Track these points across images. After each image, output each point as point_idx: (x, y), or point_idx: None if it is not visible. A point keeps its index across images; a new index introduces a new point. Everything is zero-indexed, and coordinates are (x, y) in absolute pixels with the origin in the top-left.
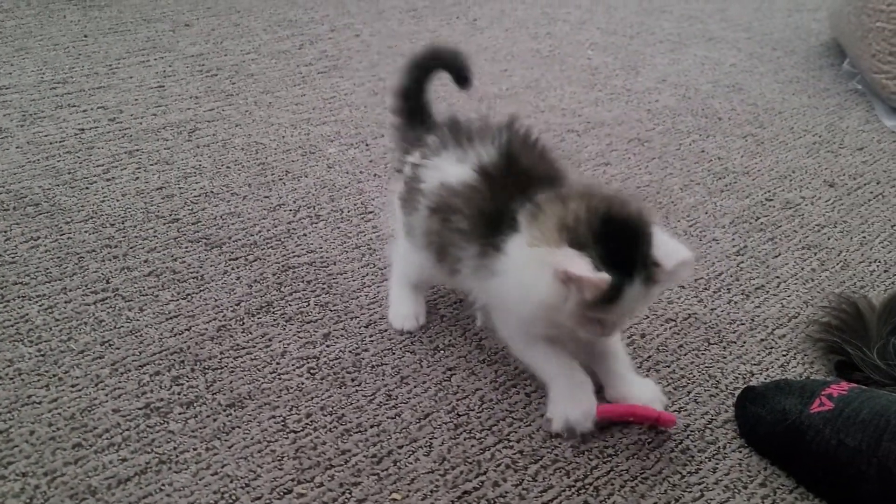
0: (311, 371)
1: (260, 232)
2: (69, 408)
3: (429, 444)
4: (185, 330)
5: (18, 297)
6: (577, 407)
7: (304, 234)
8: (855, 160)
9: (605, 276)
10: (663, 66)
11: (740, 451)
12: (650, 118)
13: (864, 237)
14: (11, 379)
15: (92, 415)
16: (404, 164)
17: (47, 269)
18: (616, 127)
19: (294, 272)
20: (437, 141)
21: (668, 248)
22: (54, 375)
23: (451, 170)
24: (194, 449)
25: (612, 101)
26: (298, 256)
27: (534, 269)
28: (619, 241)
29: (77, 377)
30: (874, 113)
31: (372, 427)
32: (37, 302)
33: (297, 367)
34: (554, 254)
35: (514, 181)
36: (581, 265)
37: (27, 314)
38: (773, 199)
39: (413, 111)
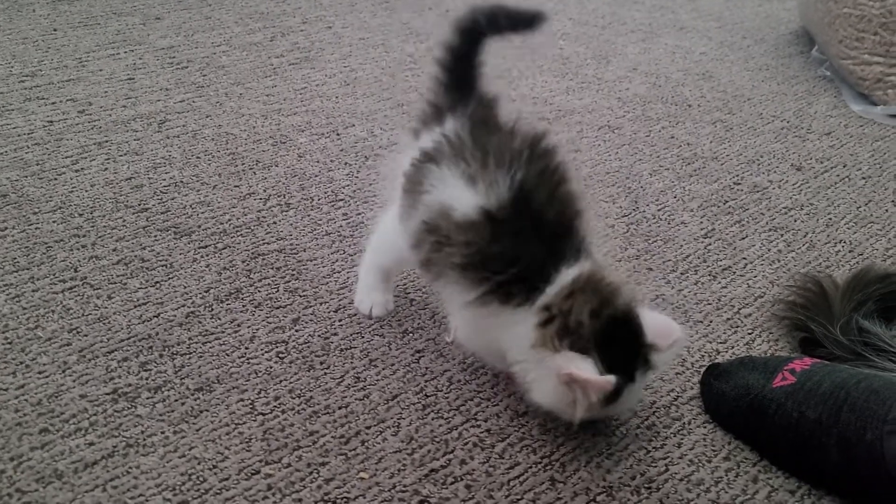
0: (280, 355)
1: (230, 220)
2: (36, 394)
3: (397, 424)
4: (154, 317)
5: None
6: None
7: (274, 222)
8: (822, 144)
9: (610, 379)
10: (634, 56)
11: (705, 427)
12: (620, 106)
13: (830, 219)
14: None
15: (59, 400)
16: (419, 137)
17: (14, 258)
18: (587, 115)
19: (264, 259)
20: (452, 146)
21: (659, 327)
22: (21, 363)
23: (457, 193)
24: (162, 432)
25: (583, 89)
26: (268, 244)
27: (537, 369)
28: (619, 344)
29: (44, 364)
30: (842, 98)
31: (340, 409)
32: (3, 291)
33: (266, 352)
34: (555, 358)
35: (522, 226)
36: (585, 368)
37: None
38: (741, 183)
39: (457, 73)
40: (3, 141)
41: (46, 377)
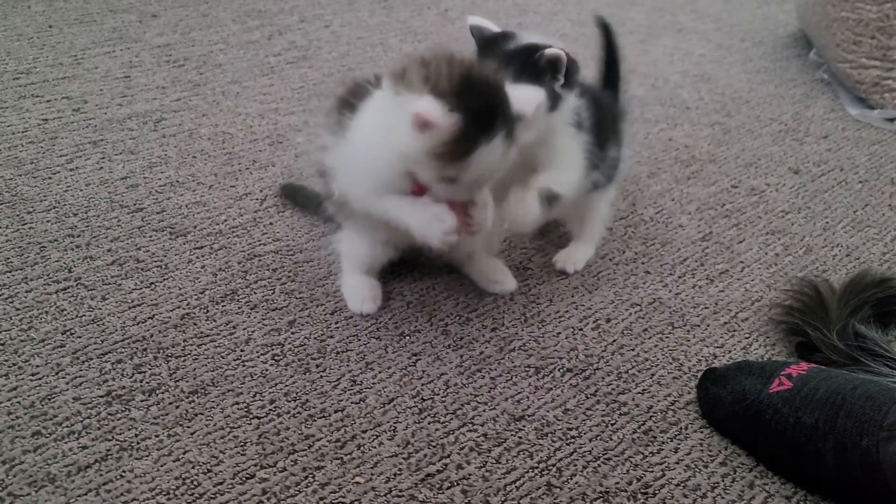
0: (276, 358)
1: (226, 221)
2: (29, 396)
3: (393, 428)
4: (149, 318)
5: None
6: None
7: (271, 223)
8: (819, 148)
9: (454, 118)
10: (633, 57)
11: (702, 432)
12: None
13: (827, 223)
14: None
15: (52, 403)
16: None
17: (8, 258)
18: None
19: (260, 260)
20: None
21: (522, 95)
22: (14, 364)
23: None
24: (156, 436)
25: None
26: (264, 245)
27: (392, 116)
28: (477, 96)
29: (37, 366)
30: (839, 102)
31: (336, 412)
32: None
33: (262, 354)
34: (415, 101)
35: None
36: (436, 108)
37: None
38: (739, 187)
39: None
40: None
41: (39, 379)
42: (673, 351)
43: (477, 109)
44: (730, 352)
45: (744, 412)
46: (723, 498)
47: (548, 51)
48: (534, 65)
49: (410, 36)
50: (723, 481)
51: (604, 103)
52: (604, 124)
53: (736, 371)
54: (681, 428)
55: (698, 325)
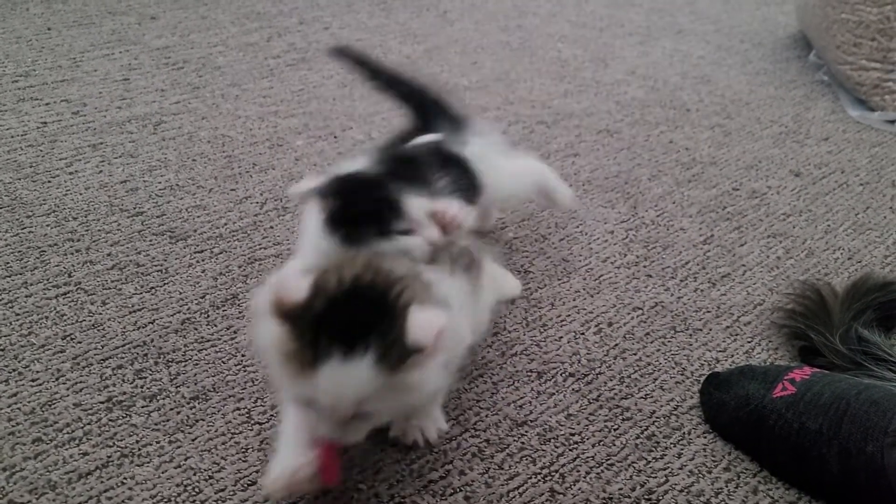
0: None
1: (226, 224)
2: (29, 402)
3: (392, 436)
4: (149, 323)
5: None
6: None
7: (271, 227)
8: (820, 150)
9: (301, 289)
10: (632, 59)
11: (705, 437)
12: (619, 110)
13: (829, 225)
14: None
15: (52, 409)
16: None
17: (7, 263)
18: (585, 118)
19: (260, 264)
20: None
21: (422, 318)
22: (14, 370)
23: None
24: (157, 442)
25: (581, 93)
26: (265, 248)
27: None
28: (340, 300)
29: (37, 371)
30: (839, 103)
31: None
32: None
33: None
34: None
35: None
36: (291, 281)
37: None
38: (740, 189)
39: None
40: None
41: (40, 385)
42: (675, 355)
43: (327, 313)
44: (732, 356)
45: (747, 417)
46: (726, 503)
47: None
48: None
49: (410, 38)
50: (726, 487)
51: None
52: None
53: (739, 376)
54: (684, 433)
55: (700, 329)
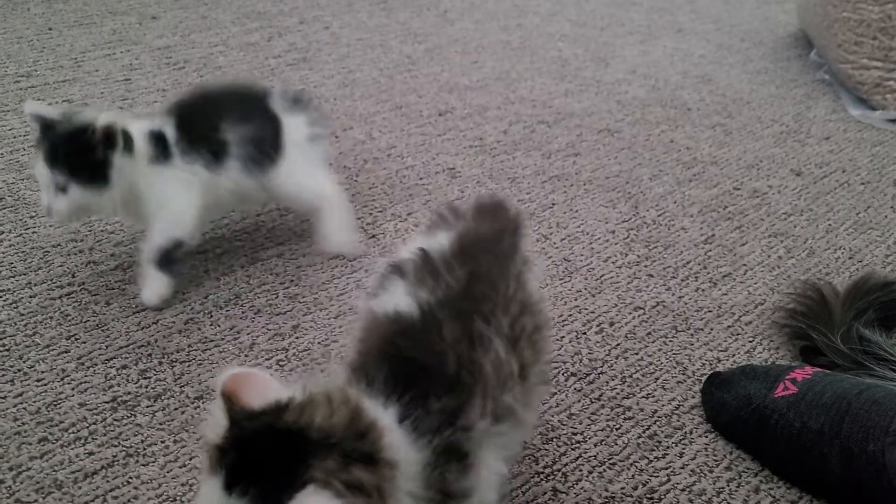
0: (280, 363)
1: (228, 225)
2: (34, 402)
3: None
4: (153, 323)
5: None
6: None
7: (273, 227)
8: (821, 149)
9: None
10: (633, 58)
11: (706, 436)
12: (620, 109)
13: (830, 225)
14: None
15: (58, 409)
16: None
17: (11, 263)
18: (586, 118)
19: (262, 264)
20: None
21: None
22: (19, 370)
23: None
24: (162, 441)
25: (582, 92)
26: (266, 249)
27: None
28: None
29: (42, 371)
30: (840, 102)
31: None
32: (1, 297)
33: (267, 359)
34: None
35: None
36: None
37: None
38: (741, 189)
39: None
40: None
41: (45, 385)
42: (677, 355)
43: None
44: (734, 355)
45: (749, 417)
46: (728, 503)
47: (98, 122)
48: (87, 143)
49: (410, 37)
50: (728, 486)
51: (197, 109)
52: (192, 118)
53: (740, 375)
54: (685, 432)
55: (702, 329)
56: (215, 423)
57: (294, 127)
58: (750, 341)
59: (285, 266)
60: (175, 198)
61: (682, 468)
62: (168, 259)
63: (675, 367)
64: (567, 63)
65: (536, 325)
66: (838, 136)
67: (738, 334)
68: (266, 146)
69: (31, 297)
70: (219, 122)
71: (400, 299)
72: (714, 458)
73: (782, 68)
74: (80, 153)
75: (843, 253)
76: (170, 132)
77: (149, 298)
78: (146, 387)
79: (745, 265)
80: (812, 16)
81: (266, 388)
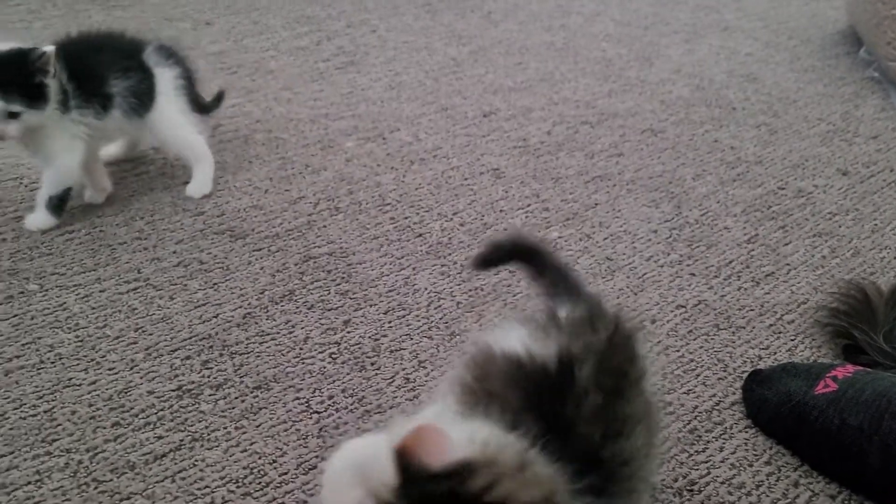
0: (333, 356)
1: (281, 224)
2: (107, 389)
3: None
4: (213, 317)
5: (56, 287)
6: None
7: (324, 226)
8: (869, 148)
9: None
10: (678, 57)
11: (747, 432)
12: (664, 109)
13: (876, 225)
14: (53, 363)
15: (128, 396)
16: None
17: (82, 259)
18: (629, 118)
19: (315, 262)
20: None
21: None
22: (92, 360)
23: None
24: (224, 428)
25: (625, 92)
26: (319, 247)
27: None
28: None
29: (113, 361)
30: (890, 101)
31: (391, 408)
32: (73, 291)
33: (320, 352)
34: None
35: None
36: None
37: (65, 302)
38: (786, 188)
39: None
40: None
41: (116, 374)
42: (718, 352)
43: None
44: (775, 354)
45: (789, 413)
46: (767, 496)
47: (47, 50)
48: (33, 68)
49: (455, 40)
50: (767, 479)
51: (82, 49)
52: (84, 72)
53: (781, 372)
54: (726, 427)
55: (744, 328)
56: (377, 475)
57: (164, 79)
58: (792, 340)
59: (336, 264)
60: (66, 152)
61: (721, 462)
62: (59, 203)
63: (716, 364)
64: (611, 63)
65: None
66: (887, 135)
67: (779, 332)
68: (143, 97)
69: (100, 291)
70: (108, 76)
71: (531, 344)
72: (754, 452)
73: (830, 66)
74: (26, 77)
75: (888, 253)
76: (64, 80)
77: (31, 225)
78: (208, 377)
79: (788, 265)
80: (861, 12)
81: (440, 443)
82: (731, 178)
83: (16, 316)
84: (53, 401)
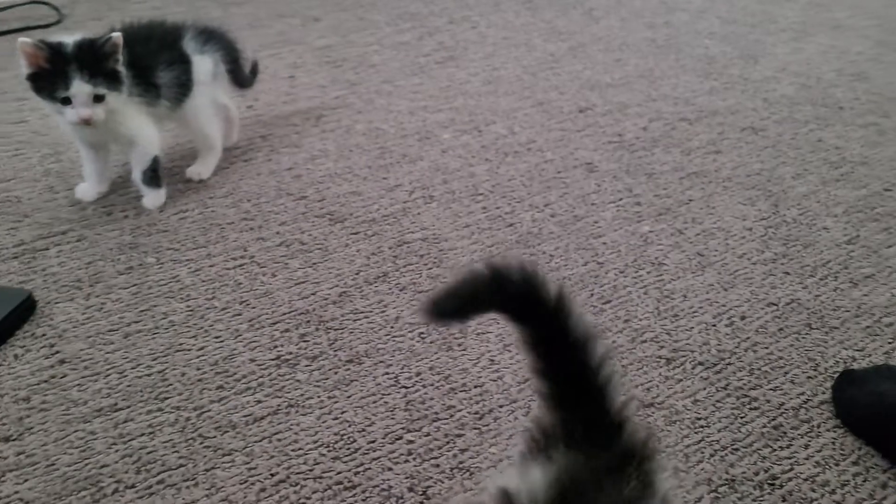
0: (422, 335)
1: (378, 209)
2: (214, 355)
3: (527, 405)
4: (311, 294)
5: (171, 261)
6: None
7: (419, 213)
8: None
9: None
10: (784, 55)
11: (835, 431)
12: (766, 107)
13: None
14: (166, 329)
15: (232, 362)
16: None
17: (194, 237)
18: (729, 116)
19: (408, 247)
20: None
21: None
22: (201, 328)
23: None
24: (318, 396)
25: (727, 90)
26: (412, 233)
27: None
28: None
29: (220, 330)
30: None
31: (475, 387)
32: (186, 265)
33: (409, 332)
34: None
35: None
36: None
37: (178, 275)
38: (892, 190)
39: None
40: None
41: (221, 342)
42: (809, 351)
43: None
44: (870, 355)
45: (881, 414)
46: (852, 496)
47: (114, 35)
48: (109, 52)
49: (554, 36)
50: (854, 479)
51: (139, 38)
52: (137, 62)
53: (875, 374)
54: (813, 426)
55: (837, 328)
56: None
57: (201, 68)
58: (889, 342)
59: (429, 249)
60: (143, 127)
61: (806, 459)
62: (153, 173)
63: (806, 363)
64: (713, 61)
65: None
66: None
67: (876, 335)
68: (183, 87)
69: (210, 266)
70: (156, 66)
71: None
72: (841, 452)
73: None
74: (106, 62)
75: None
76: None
77: (148, 204)
78: (305, 349)
79: (889, 267)
80: None
81: None
82: (834, 178)
83: (135, 286)
84: (166, 363)
